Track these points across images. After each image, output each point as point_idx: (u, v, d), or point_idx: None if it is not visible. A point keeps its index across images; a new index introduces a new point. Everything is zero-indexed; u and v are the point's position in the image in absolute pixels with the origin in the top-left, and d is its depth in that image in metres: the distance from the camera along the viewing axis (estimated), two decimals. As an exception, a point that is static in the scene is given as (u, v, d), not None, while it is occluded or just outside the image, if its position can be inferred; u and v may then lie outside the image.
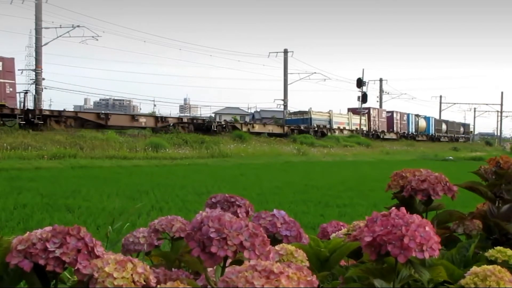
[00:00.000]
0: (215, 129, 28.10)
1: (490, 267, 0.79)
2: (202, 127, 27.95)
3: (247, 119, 43.60)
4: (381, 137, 43.41)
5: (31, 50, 39.42)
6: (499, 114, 76.09)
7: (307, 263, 0.85)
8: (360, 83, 44.03)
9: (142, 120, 26.08)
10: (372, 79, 59.11)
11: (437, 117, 61.07)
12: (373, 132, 43.11)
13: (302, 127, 34.85)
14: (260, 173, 14.92)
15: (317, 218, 7.03)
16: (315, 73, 53.41)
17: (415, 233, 0.74)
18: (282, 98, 43.59)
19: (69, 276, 0.85)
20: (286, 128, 34.06)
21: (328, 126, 37.91)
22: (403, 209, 0.79)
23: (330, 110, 39.51)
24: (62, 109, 23.97)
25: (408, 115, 50.63)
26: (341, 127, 39.50)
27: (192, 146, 22.79)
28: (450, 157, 28.49)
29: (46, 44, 30.16)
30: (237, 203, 1.05)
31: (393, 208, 0.80)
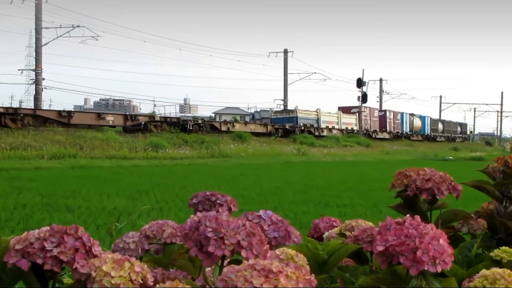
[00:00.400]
0: (191, 128, 26.76)
1: (500, 270, 0.78)
2: (177, 126, 26.66)
3: (247, 119, 43.54)
4: (373, 136, 41.77)
5: (31, 50, 39.49)
6: (499, 114, 76.20)
7: (308, 267, 0.84)
8: (360, 83, 43.92)
9: (110, 118, 24.68)
10: (372, 79, 58.85)
11: (433, 117, 59.00)
12: (365, 132, 41.53)
13: (287, 126, 33.40)
14: (260, 173, 14.92)
15: (317, 218, 7.00)
16: (315, 73, 53.46)
17: (429, 246, 0.72)
18: (282, 98, 43.67)
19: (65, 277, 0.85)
20: (270, 127, 32.64)
21: (315, 125, 36.45)
22: (417, 217, 0.77)
23: (318, 109, 37.77)
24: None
25: (402, 114, 49.31)
26: (330, 127, 38.07)
27: (192, 146, 22.80)
28: (450, 157, 28.50)
29: (46, 44, 30.24)
30: (218, 201, 1.04)
31: (408, 215, 0.79)
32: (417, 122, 52.32)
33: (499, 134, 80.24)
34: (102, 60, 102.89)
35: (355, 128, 41.06)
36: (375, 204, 8.36)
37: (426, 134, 53.70)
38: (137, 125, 25.23)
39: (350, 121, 41.10)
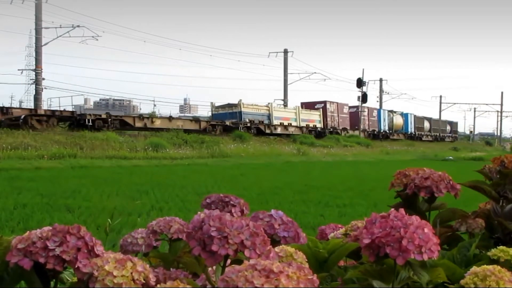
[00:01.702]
0: (91, 124, 22.47)
1: (490, 267, 0.79)
2: (73, 121, 22.59)
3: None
4: (342, 135, 37.89)
5: (31, 50, 39.48)
6: (499, 114, 76.21)
7: (307, 265, 0.84)
8: (360, 83, 43.89)
9: None
10: (372, 79, 58.64)
11: (417, 114, 53.58)
12: (331, 130, 37.59)
13: (228, 123, 29.24)
14: (260, 173, 14.92)
15: (317, 218, 7.03)
16: (315, 73, 53.43)
17: (414, 235, 0.73)
18: (282, 98, 43.62)
19: (67, 278, 0.85)
20: (204, 124, 28.60)
21: (266, 121, 32.37)
22: (402, 210, 0.78)
23: (269, 103, 33.91)
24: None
25: (378, 110, 45.63)
26: (286, 123, 33.75)
27: (192, 146, 22.81)
28: (450, 157, 28.52)
29: (46, 44, 30.19)
30: (231, 202, 1.04)
31: (392, 209, 0.80)
32: (398, 120, 48.01)
33: (499, 134, 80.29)
34: (102, 60, 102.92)
35: (318, 125, 37.01)
36: (375, 204, 8.35)
37: (409, 133, 49.55)
38: (14, 119, 20.83)
39: (312, 117, 36.84)
